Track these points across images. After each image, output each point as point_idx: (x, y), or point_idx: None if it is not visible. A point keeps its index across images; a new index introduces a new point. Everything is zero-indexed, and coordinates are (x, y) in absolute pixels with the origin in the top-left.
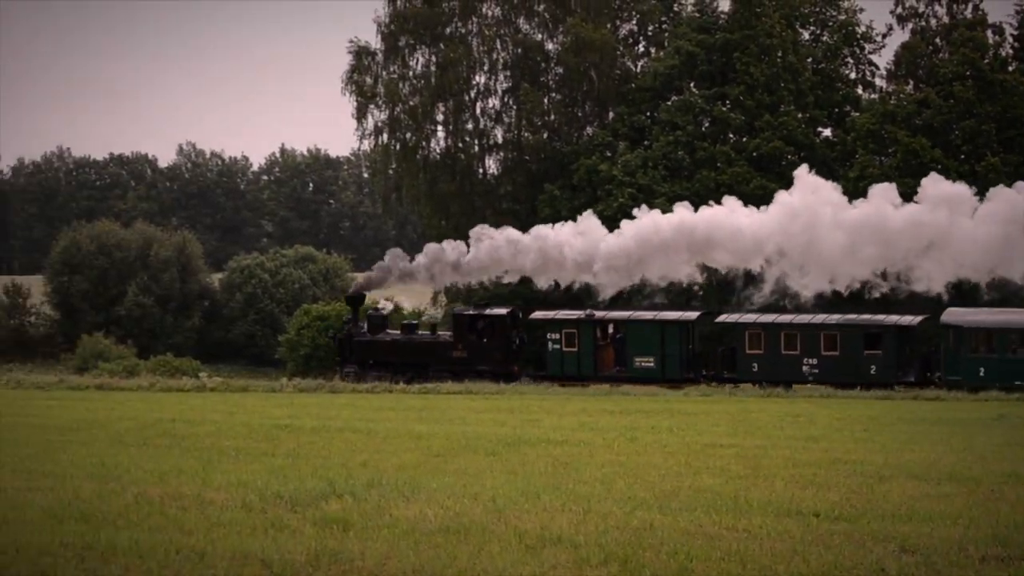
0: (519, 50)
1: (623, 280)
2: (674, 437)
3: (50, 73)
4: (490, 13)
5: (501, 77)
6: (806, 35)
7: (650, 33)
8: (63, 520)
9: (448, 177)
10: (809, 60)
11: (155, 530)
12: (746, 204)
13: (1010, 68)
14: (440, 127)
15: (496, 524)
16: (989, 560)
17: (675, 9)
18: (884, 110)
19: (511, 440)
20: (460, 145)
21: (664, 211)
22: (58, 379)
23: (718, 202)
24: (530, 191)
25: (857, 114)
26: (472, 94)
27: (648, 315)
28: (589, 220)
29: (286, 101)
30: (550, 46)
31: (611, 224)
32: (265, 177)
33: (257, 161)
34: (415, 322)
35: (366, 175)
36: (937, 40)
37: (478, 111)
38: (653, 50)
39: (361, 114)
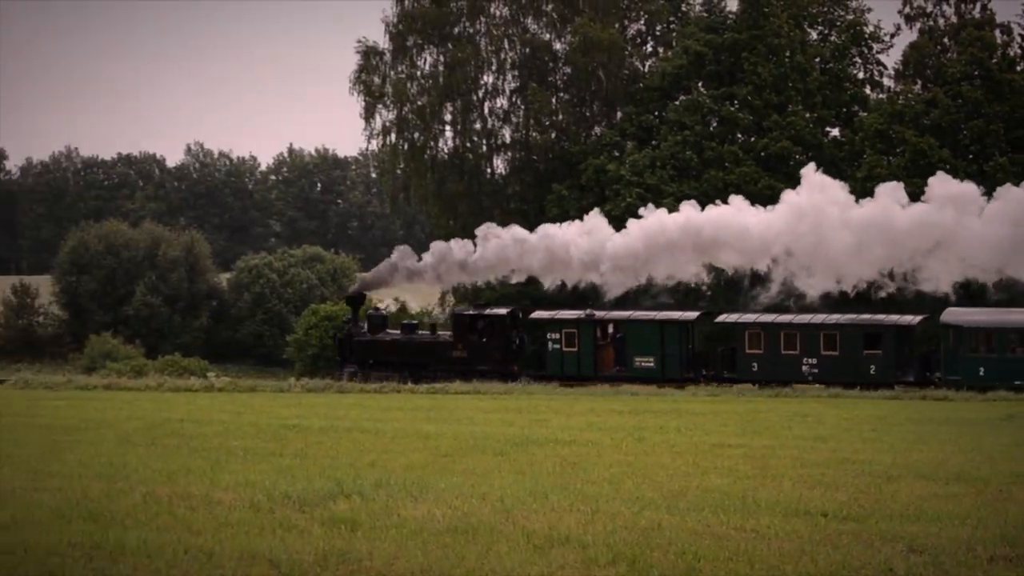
0: (527, 50)
1: (629, 280)
2: (682, 437)
3: (59, 73)
4: (498, 13)
5: (509, 77)
6: (814, 35)
7: (658, 33)
8: (71, 520)
9: (456, 177)
10: (817, 60)
11: (163, 530)
12: (753, 204)
13: (1018, 68)
14: (448, 127)
15: (504, 524)
16: (997, 560)
17: (683, 9)
18: (892, 110)
19: (519, 440)
20: (468, 145)
21: (671, 211)
22: (66, 379)
23: (725, 202)
24: (538, 191)
25: (865, 114)
26: (480, 94)
27: (648, 315)
28: (595, 219)
29: (294, 101)
30: (558, 46)
31: (619, 224)
32: (273, 177)
33: (265, 161)
34: (415, 322)
35: (374, 175)
36: (945, 40)
37: (486, 111)
38: (661, 50)
39: (369, 114)
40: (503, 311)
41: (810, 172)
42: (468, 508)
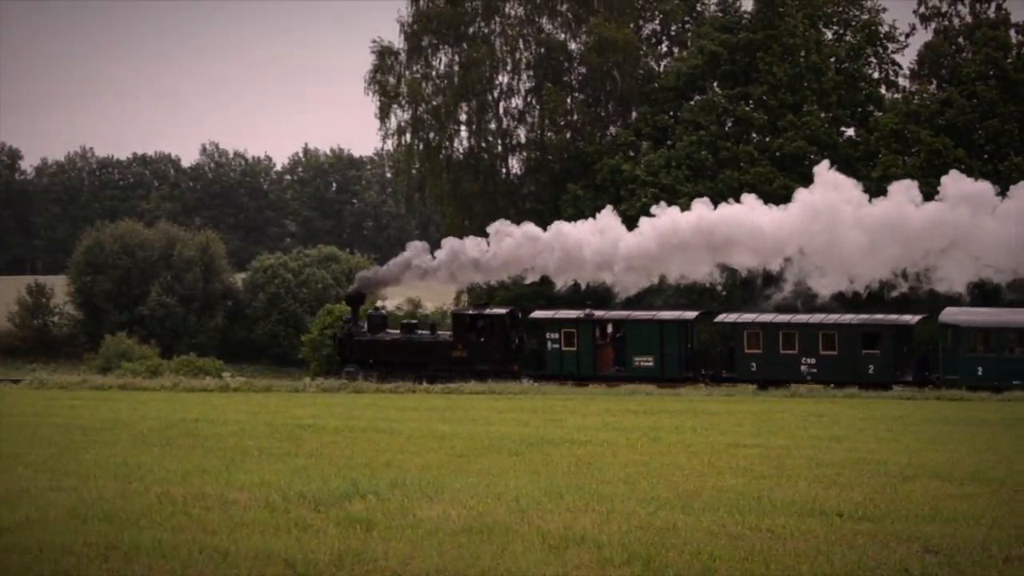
0: (542, 50)
1: (642, 280)
2: (697, 437)
3: (74, 73)
4: (513, 13)
5: (524, 77)
6: (829, 35)
7: (673, 33)
8: (86, 520)
9: (471, 177)
10: (832, 60)
11: (178, 530)
12: (767, 203)
13: None
14: (463, 127)
15: (519, 524)
16: (1013, 560)
17: (698, 9)
18: (907, 110)
19: (534, 440)
20: (483, 145)
21: (683, 209)
22: (81, 379)
23: (738, 201)
24: (553, 191)
25: (880, 114)
26: (495, 94)
27: (647, 315)
28: (608, 217)
29: (309, 101)
30: (573, 46)
31: (633, 224)
32: (288, 177)
33: (280, 161)
34: (415, 321)
35: (389, 175)
36: (960, 40)
37: (501, 111)
38: (676, 50)
39: (384, 114)
40: (502, 311)
41: (823, 170)
42: (483, 508)
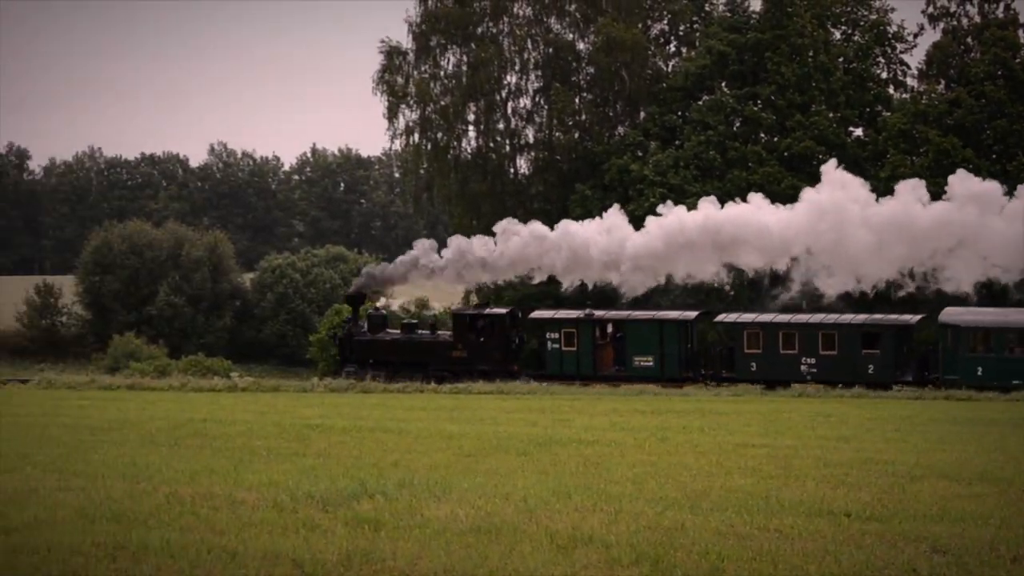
0: (550, 50)
1: (649, 280)
2: (705, 437)
3: (82, 73)
4: (521, 13)
5: (532, 77)
6: (837, 35)
7: (681, 33)
8: (95, 520)
9: (479, 177)
10: (840, 60)
11: (186, 530)
12: (774, 203)
13: None
14: (471, 127)
15: (527, 524)
16: (1021, 560)
17: (706, 9)
18: (915, 110)
19: (542, 440)
20: (491, 145)
21: (690, 208)
22: (89, 379)
23: (745, 200)
24: (561, 191)
25: (888, 114)
26: (503, 94)
27: (647, 315)
28: (615, 216)
29: (317, 101)
30: (581, 46)
31: (640, 224)
32: (296, 177)
33: (288, 161)
34: (415, 321)
35: (397, 175)
36: (968, 40)
37: (509, 111)
38: (684, 50)
39: (392, 114)
40: (502, 311)
41: (831, 169)
42: (491, 508)
